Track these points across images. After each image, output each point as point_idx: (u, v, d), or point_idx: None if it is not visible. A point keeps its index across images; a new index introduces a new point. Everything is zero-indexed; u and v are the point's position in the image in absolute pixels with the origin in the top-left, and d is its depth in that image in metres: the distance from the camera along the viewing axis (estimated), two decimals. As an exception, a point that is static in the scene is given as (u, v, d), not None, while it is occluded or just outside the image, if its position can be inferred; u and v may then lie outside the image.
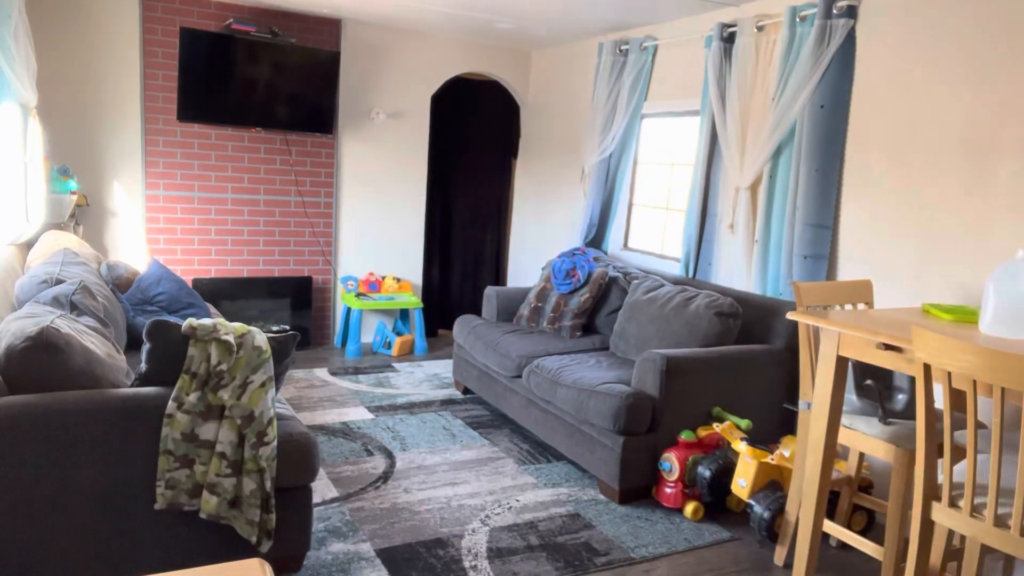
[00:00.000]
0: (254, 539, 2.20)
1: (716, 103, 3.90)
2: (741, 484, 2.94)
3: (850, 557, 2.82)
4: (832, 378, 2.31)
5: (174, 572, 1.00)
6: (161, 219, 4.81)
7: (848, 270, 3.38)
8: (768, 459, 2.91)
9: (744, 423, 3.12)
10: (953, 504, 1.92)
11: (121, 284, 3.62)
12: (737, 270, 3.87)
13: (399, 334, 5.55)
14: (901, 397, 2.46)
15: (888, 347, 2.12)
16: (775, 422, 3.41)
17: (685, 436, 3.11)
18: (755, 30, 3.71)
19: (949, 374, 1.83)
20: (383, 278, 5.51)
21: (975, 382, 1.78)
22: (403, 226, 5.65)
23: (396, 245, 5.65)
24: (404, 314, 5.66)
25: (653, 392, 3.12)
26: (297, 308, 5.32)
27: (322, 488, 3.12)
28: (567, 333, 4.17)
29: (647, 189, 4.86)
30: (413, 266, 5.75)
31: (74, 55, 4.42)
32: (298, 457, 2.30)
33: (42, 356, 2.04)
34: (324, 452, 3.51)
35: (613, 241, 4.99)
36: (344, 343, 5.41)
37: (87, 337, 2.28)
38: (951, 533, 2.13)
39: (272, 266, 5.22)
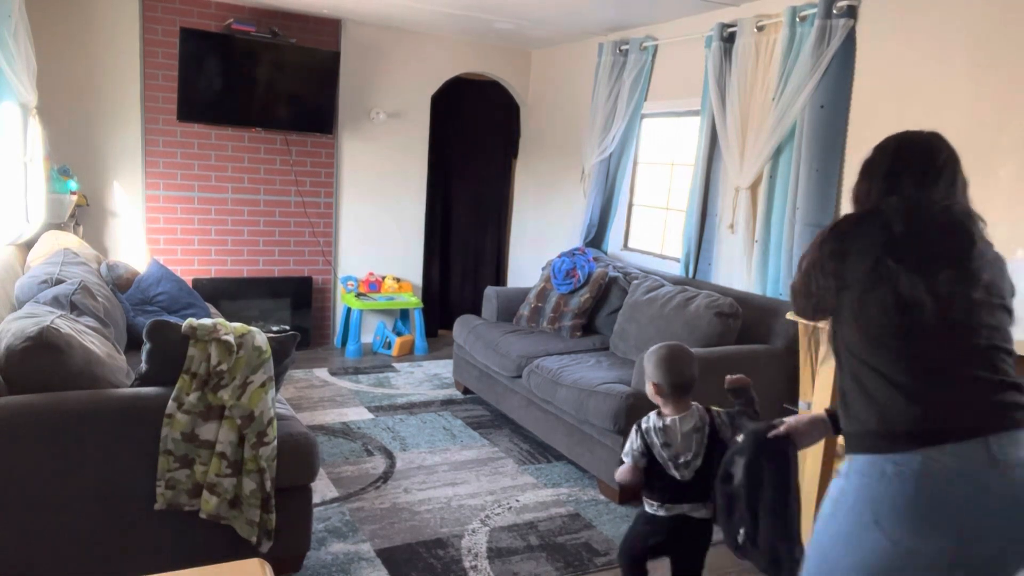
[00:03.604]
0: (254, 539, 2.20)
1: (716, 103, 3.90)
2: (741, 484, 2.94)
3: (850, 557, 2.82)
4: (832, 378, 2.31)
5: (174, 572, 1.00)
6: (161, 219, 4.81)
7: (848, 270, 3.37)
8: (768, 459, 2.91)
9: (744, 423, 3.12)
10: (953, 504, 1.91)
11: (121, 284, 3.62)
12: (737, 270, 3.87)
13: (399, 334, 5.55)
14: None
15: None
16: (775, 422, 3.41)
17: (685, 436, 3.11)
18: (755, 30, 3.71)
19: (949, 374, 1.83)
20: (383, 278, 5.51)
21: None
22: (403, 226, 5.65)
23: (396, 245, 5.65)
24: (404, 314, 5.65)
25: (653, 392, 3.12)
26: (297, 308, 5.32)
27: (322, 488, 3.12)
28: (567, 333, 4.17)
29: (647, 189, 4.86)
30: (413, 266, 5.75)
31: (74, 55, 4.42)
32: (298, 457, 2.30)
33: (42, 356, 2.04)
34: (324, 452, 3.51)
35: (613, 241, 4.99)
36: (344, 343, 5.41)
37: (87, 337, 2.28)
38: (951, 533, 2.13)
39: (272, 266, 5.22)
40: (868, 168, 1.62)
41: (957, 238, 1.46)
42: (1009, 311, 1.48)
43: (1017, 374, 1.42)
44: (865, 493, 1.39)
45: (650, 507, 2.08)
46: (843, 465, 1.46)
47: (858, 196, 1.62)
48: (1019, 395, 1.39)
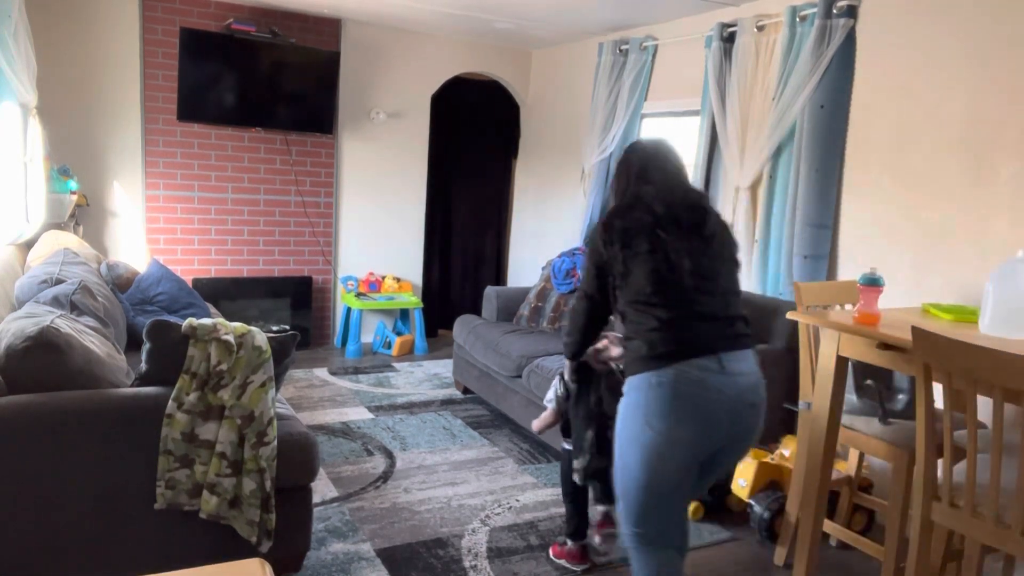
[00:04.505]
0: (254, 539, 2.20)
1: (716, 103, 3.90)
2: (741, 484, 2.94)
3: (850, 557, 2.82)
4: (832, 378, 2.31)
5: (174, 572, 1.00)
6: (161, 219, 4.81)
7: (848, 270, 3.38)
8: (768, 459, 2.91)
9: (744, 423, 3.12)
10: (953, 504, 1.92)
11: (121, 284, 3.61)
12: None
13: (399, 334, 5.55)
14: (901, 397, 2.46)
15: (888, 347, 2.12)
16: (775, 422, 3.40)
17: (685, 436, 3.12)
18: (755, 30, 3.71)
19: (949, 374, 1.83)
20: (383, 278, 5.51)
21: (975, 382, 1.78)
22: (403, 226, 5.65)
23: (396, 245, 5.65)
24: (404, 314, 5.65)
25: (653, 392, 3.12)
26: (297, 308, 5.32)
27: (322, 488, 3.12)
28: (567, 333, 4.16)
29: (647, 189, 4.85)
30: (413, 266, 5.75)
31: (74, 55, 4.42)
32: (298, 457, 2.30)
33: (42, 356, 2.04)
34: (324, 452, 3.51)
35: (613, 241, 4.98)
36: (344, 343, 5.41)
37: (87, 337, 2.28)
38: (951, 533, 2.13)
39: (272, 266, 5.22)
40: (623, 168, 2.12)
41: (697, 213, 1.99)
42: (736, 262, 2.04)
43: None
44: (640, 402, 1.89)
45: (568, 443, 2.52)
46: (625, 387, 1.95)
47: (617, 190, 2.12)
48: (743, 325, 1.97)
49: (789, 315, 2.39)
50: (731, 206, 3.87)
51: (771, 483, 2.91)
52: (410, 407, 4.27)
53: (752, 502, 2.89)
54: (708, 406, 1.85)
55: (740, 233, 3.81)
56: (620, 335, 2.05)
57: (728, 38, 3.88)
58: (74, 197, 4.07)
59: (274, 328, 5.10)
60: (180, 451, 2.13)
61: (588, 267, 2.06)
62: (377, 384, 4.67)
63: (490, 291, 4.62)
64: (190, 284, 4.27)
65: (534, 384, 3.61)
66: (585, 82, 5.20)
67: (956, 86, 2.91)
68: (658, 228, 1.92)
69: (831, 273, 3.44)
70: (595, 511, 2.62)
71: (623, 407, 1.93)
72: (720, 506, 3.14)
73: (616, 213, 2.01)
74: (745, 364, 1.91)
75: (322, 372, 4.83)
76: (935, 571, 2.14)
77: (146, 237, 4.78)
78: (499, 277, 6.40)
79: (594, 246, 2.02)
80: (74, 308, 2.63)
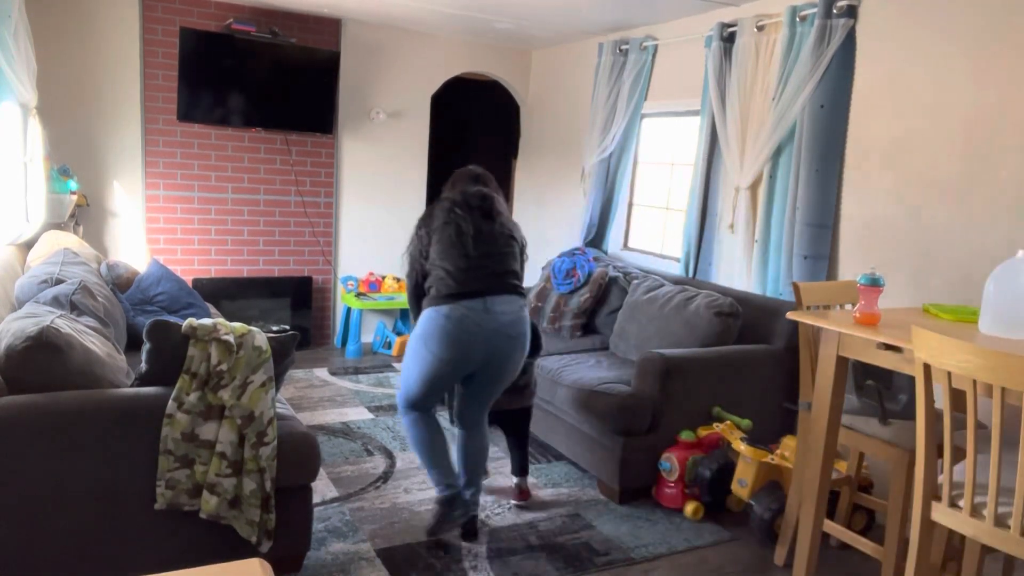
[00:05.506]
0: (254, 539, 2.20)
1: (716, 103, 3.90)
2: (741, 484, 2.94)
3: (850, 557, 2.82)
4: (832, 378, 2.31)
5: (174, 572, 1.00)
6: (161, 219, 4.81)
7: (848, 270, 3.38)
8: (768, 459, 2.91)
9: (744, 423, 3.12)
10: (953, 504, 1.92)
11: (121, 284, 3.62)
12: (737, 270, 3.87)
13: (399, 334, 5.55)
14: (901, 397, 2.46)
15: (888, 347, 2.12)
16: (775, 422, 3.41)
17: (685, 436, 3.11)
18: (755, 30, 3.71)
19: (949, 374, 1.83)
20: (383, 278, 5.51)
21: (975, 382, 1.78)
22: (403, 226, 5.64)
23: (396, 245, 5.65)
24: (404, 314, 5.65)
25: (653, 392, 3.12)
26: (297, 308, 5.32)
27: (322, 488, 3.12)
28: (567, 333, 4.17)
29: (647, 189, 4.86)
30: (413, 266, 5.74)
31: (74, 55, 4.42)
32: (298, 457, 2.30)
33: (42, 356, 2.04)
34: (324, 452, 3.51)
35: (613, 241, 4.99)
36: (344, 343, 5.41)
37: (87, 337, 2.28)
38: (951, 533, 2.13)
39: (272, 266, 5.22)
40: (445, 185, 2.89)
41: (486, 201, 2.70)
42: (513, 237, 2.71)
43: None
44: (424, 330, 2.55)
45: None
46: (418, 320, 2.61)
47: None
48: (511, 277, 2.64)
49: (789, 315, 2.39)
50: (731, 206, 3.87)
51: (771, 483, 2.91)
52: (410, 407, 4.26)
53: (752, 502, 2.89)
54: (469, 337, 2.50)
55: (740, 233, 3.81)
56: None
57: (728, 38, 3.88)
58: (74, 197, 4.07)
59: (274, 328, 5.09)
60: (180, 451, 2.13)
61: (409, 260, 2.74)
62: (377, 384, 4.67)
63: (490, 291, 4.62)
64: (190, 284, 4.27)
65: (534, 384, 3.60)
66: (585, 82, 5.20)
67: (956, 86, 2.91)
68: (455, 207, 2.64)
69: (831, 273, 3.44)
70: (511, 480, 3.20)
71: (413, 333, 2.59)
72: (720, 506, 3.14)
73: (429, 206, 2.75)
74: (507, 306, 2.57)
75: (322, 372, 4.83)
76: (935, 571, 2.14)
77: (146, 237, 4.78)
78: (499, 277, 6.39)
79: (412, 240, 2.73)
80: (74, 308, 2.63)
